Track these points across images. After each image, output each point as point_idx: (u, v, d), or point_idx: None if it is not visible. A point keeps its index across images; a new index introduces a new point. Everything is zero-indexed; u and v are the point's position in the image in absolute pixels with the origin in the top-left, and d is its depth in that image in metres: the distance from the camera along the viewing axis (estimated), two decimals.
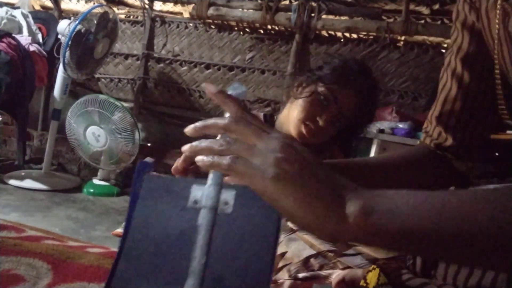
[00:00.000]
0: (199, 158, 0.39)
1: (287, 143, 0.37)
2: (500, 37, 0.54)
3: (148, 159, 0.40)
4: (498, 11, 0.53)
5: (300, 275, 0.56)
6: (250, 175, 0.36)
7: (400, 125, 2.04)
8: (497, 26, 0.55)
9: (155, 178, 0.40)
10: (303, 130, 1.03)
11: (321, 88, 1.02)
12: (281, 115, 1.15)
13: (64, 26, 2.32)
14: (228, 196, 0.37)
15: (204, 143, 0.40)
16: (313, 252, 0.60)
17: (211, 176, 0.38)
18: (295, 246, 0.60)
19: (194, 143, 0.41)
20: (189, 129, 0.42)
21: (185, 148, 0.42)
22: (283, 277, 0.57)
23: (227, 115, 0.43)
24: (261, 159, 0.36)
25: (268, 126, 0.40)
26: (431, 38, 2.42)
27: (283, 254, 0.58)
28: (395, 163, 0.66)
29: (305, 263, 0.60)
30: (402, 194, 0.37)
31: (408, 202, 0.36)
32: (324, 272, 0.58)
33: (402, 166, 0.66)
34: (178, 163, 0.48)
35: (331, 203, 0.36)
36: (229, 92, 0.45)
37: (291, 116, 1.06)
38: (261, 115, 1.20)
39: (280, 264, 0.58)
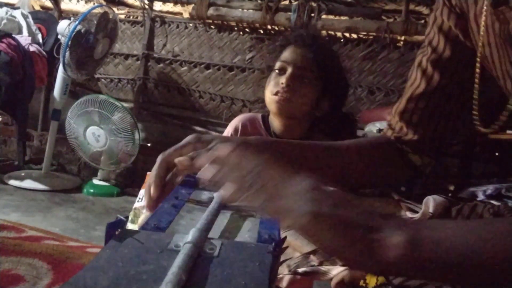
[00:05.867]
0: (228, 189, 0.39)
1: (314, 184, 0.38)
2: (490, 43, 0.55)
3: (118, 217, 0.36)
4: (484, 17, 0.54)
5: (300, 270, 0.56)
6: (286, 213, 0.37)
7: None
8: (482, 32, 0.56)
9: (131, 232, 0.36)
10: (276, 99, 1.10)
11: (275, 64, 1.13)
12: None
13: (64, 27, 2.32)
14: (215, 242, 0.35)
15: (231, 176, 0.41)
16: (313, 247, 0.60)
17: (200, 222, 0.37)
18: (295, 242, 0.60)
19: (212, 169, 0.41)
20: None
21: (203, 173, 0.42)
22: (282, 272, 0.58)
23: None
24: (294, 198, 0.37)
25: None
26: None
27: (284, 249, 0.59)
28: (353, 151, 0.68)
29: (305, 258, 0.60)
30: (447, 225, 0.37)
31: (455, 233, 0.35)
32: (323, 268, 0.58)
33: (359, 154, 0.68)
34: (149, 194, 0.49)
35: (366, 235, 0.35)
36: None
37: (267, 103, 1.15)
38: (259, 115, 1.23)
39: (280, 259, 0.58)
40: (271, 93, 1.11)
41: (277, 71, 1.11)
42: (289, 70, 1.09)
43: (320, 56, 1.10)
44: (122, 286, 0.28)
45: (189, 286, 0.29)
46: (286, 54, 1.12)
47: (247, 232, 0.41)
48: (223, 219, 0.43)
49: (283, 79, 1.09)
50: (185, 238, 0.34)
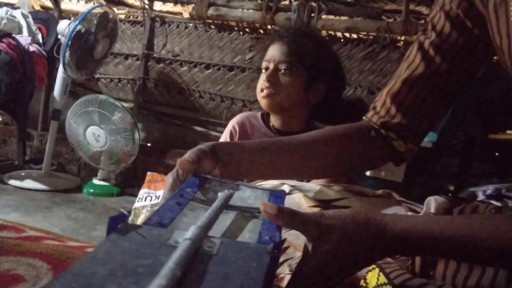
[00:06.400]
0: None
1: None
2: (510, 35, 0.54)
3: (121, 212, 0.37)
4: (511, 8, 0.53)
5: None
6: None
7: None
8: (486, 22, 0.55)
9: (132, 226, 0.36)
10: (263, 96, 1.16)
11: (262, 66, 1.20)
12: None
13: (64, 26, 2.32)
14: (215, 240, 0.35)
15: None
16: None
17: (201, 220, 0.38)
18: (296, 241, 0.60)
19: None
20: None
21: None
22: (283, 271, 0.58)
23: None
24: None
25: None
26: None
27: (285, 248, 0.59)
28: (331, 140, 0.68)
29: None
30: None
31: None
32: None
33: (338, 143, 0.68)
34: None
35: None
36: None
37: (259, 102, 1.21)
38: (259, 113, 1.28)
39: (281, 259, 0.58)
40: (258, 93, 1.19)
41: (263, 70, 1.18)
42: (271, 67, 1.16)
43: (296, 46, 1.15)
44: (118, 278, 0.28)
45: (185, 282, 0.29)
46: (268, 53, 1.19)
47: (249, 233, 0.41)
48: (227, 219, 0.44)
49: (266, 76, 1.16)
50: (184, 234, 0.34)
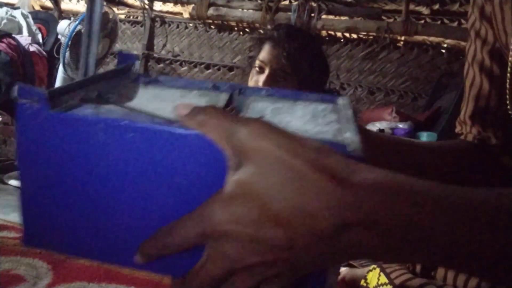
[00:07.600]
0: None
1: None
2: None
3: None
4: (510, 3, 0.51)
5: None
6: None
7: (400, 125, 2.04)
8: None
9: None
10: None
11: (255, 61, 1.22)
12: None
13: (64, 26, 2.32)
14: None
15: None
16: None
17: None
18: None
19: None
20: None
21: None
22: None
23: None
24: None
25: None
26: (431, 38, 2.42)
27: None
28: (435, 151, 0.59)
29: None
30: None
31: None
32: None
33: (442, 157, 0.59)
34: None
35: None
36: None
37: None
38: None
39: None
40: None
41: (257, 68, 1.21)
42: (266, 72, 1.17)
43: (293, 56, 1.17)
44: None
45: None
46: (263, 54, 1.20)
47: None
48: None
49: (261, 81, 1.18)
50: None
